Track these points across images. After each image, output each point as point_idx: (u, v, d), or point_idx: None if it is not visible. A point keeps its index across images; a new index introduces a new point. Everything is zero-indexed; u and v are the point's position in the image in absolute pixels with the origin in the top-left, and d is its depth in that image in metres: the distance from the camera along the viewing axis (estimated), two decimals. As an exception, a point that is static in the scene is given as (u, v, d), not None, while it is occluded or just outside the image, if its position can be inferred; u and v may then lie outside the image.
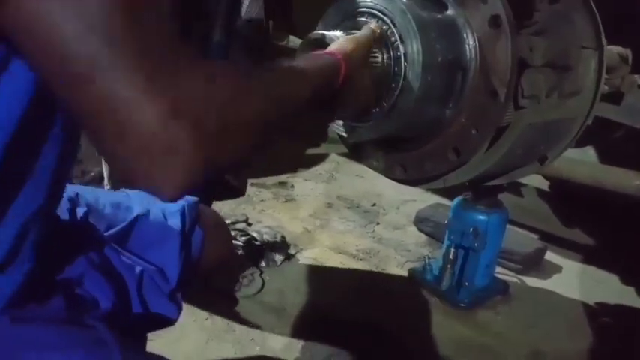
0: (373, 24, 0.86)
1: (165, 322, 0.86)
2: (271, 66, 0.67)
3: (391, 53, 0.87)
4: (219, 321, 1.55)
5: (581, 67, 1.11)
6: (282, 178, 2.64)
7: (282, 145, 2.85)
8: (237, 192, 1.48)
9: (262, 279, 1.74)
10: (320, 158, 2.91)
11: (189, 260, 0.88)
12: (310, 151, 2.93)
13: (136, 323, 0.82)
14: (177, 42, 0.49)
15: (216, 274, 1.71)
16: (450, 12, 0.91)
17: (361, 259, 1.95)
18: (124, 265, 0.81)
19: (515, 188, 2.43)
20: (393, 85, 0.87)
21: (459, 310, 1.69)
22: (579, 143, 1.74)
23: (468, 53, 0.90)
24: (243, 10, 1.37)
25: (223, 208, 2.18)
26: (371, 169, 1.13)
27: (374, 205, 2.44)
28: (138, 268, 0.82)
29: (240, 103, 0.53)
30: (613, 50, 1.47)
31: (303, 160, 2.83)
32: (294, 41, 2.92)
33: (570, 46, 1.07)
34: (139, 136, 0.45)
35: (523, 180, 2.09)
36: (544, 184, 2.48)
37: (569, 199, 2.38)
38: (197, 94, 0.48)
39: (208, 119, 0.48)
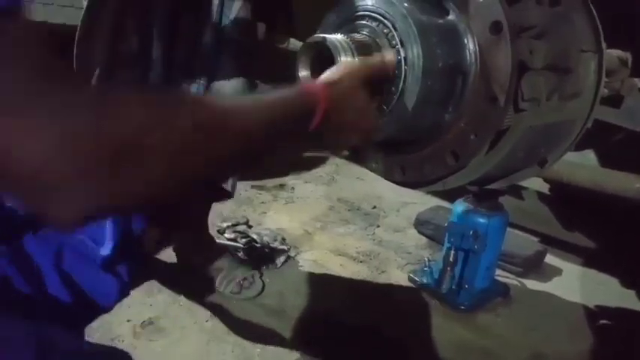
0: (391, 54, 0.84)
1: (106, 298, 0.78)
2: (214, 100, 0.61)
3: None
4: (220, 323, 1.55)
5: (581, 69, 1.11)
6: (283, 180, 2.64)
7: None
8: (226, 194, 1.49)
9: (262, 281, 1.74)
10: (320, 160, 2.92)
11: (127, 228, 0.80)
12: (310, 153, 2.94)
13: (69, 305, 0.75)
14: (65, 75, 0.46)
15: (189, 253, 1.71)
16: (451, 17, 0.91)
17: (361, 262, 1.96)
18: (33, 242, 0.75)
19: (516, 191, 2.44)
20: (393, 88, 0.87)
21: (459, 312, 1.70)
22: (579, 146, 1.74)
23: (468, 58, 0.90)
24: (232, 13, 1.37)
25: (224, 210, 2.18)
26: (370, 171, 1.13)
27: (374, 207, 2.44)
28: (56, 242, 0.76)
29: (142, 136, 0.47)
30: (613, 53, 1.47)
31: (304, 162, 2.84)
32: (294, 44, 2.92)
33: (570, 49, 1.07)
34: (23, 173, 0.43)
35: (524, 183, 2.09)
36: (544, 187, 2.48)
37: (570, 202, 2.38)
38: (86, 127, 0.44)
39: (97, 153, 0.44)
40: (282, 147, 0.67)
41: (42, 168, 0.42)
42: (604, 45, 1.13)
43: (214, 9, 1.35)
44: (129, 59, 1.35)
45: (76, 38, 1.34)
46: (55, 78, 0.45)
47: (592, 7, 1.10)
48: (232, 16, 1.38)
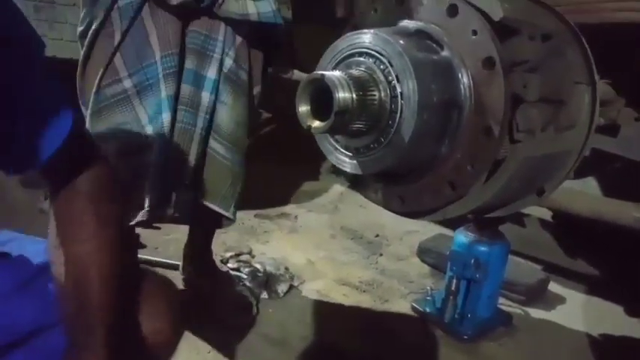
0: None
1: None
2: None
3: (388, 92, 0.90)
4: (222, 354, 1.55)
5: (575, 101, 1.13)
6: (286, 209, 2.66)
7: (285, 176, 2.89)
8: (226, 221, 1.53)
9: (265, 311, 1.74)
10: (323, 189, 2.94)
11: None
12: (314, 182, 2.96)
13: None
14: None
15: (194, 282, 1.72)
16: (445, 52, 0.94)
17: (364, 291, 1.96)
18: None
19: (518, 218, 2.44)
20: (390, 122, 0.90)
21: (462, 342, 1.69)
22: (580, 174, 1.76)
23: (463, 92, 0.93)
24: (233, 48, 1.42)
25: (227, 239, 2.20)
26: (370, 200, 1.15)
27: (377, 235, 2.45)
28: None
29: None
30: (608, 83, 1.50)
31: (307, 191, 2.86)
32: (298, 74, 2.98)
33: (564, 82, 1.10)
34: None
35: (525, 210, 2.10)
36: (547, 214, 2.48)
37: (573, 230, 2.38)
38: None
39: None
40: None
41: None
42: (597, 77, 1.15)
43: (218, 45, 1.40)
44: (124, 99, 1.39)
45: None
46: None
47: (584, 41, 1.14)
48: (233, 52, 1.42)
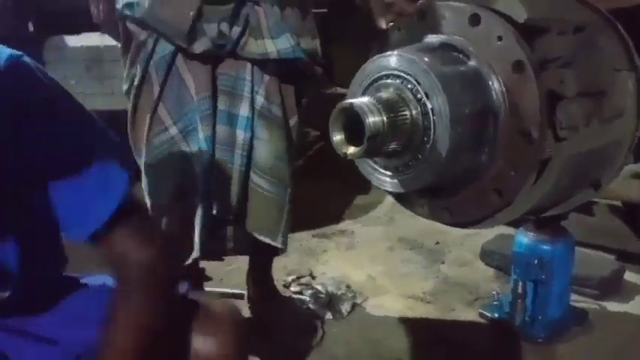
0: None
1: None
2: None
3: (419, 109, 0.91)
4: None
5: (617, 89, 1.10)
6: (342, 225, 2.67)
7: (338, 192, 2.91)
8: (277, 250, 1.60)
9: (330, 331, 1.76)
10: (377, 201, 2.92)
11: None
12: (365, 195, 2.96)
13: None
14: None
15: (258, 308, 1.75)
16: (472, 62, 0.94)
17: (429, 302, 1.93)
18: None
19: (586, 207, 2.34)
20: (425, 139, 0.91)
21: (536, 345, 1.64)
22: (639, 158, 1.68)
23: (495, 99, 0.92)
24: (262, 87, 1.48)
25: (288, 263, 2.23)
26: (418, 215, 1.16)
27: (437, 243, 2.41)
28: None
29: None
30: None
31: (361, 205, 2.86)
32: (341, 90, 3.03)
33: (602, 72, 1.07)
34: None
35: (593, 197, 2.01)
36: (616, 200, 2.37)
37: (644, 213, 2.26)
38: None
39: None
40: None
41: None
42: (638, 61, 1.11)
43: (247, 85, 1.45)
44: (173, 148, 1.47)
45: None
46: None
47: (619, 26, 1.10)
48: (263, 90, 1.46)
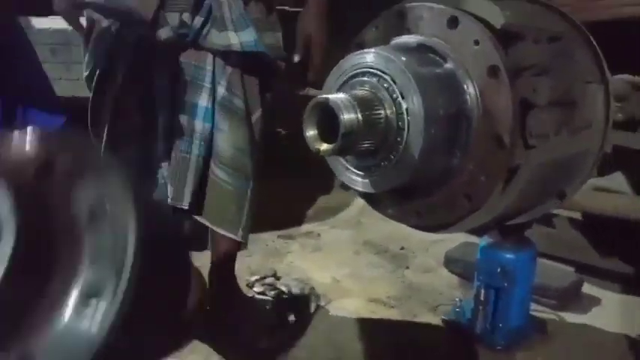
0: None
1: None
2: None
3: (394, 109, 0.90)
4: (253, 380, 1.55)
5: (588, 101, 1.11)
6: (309, 227, 2.65)
7: (306, 194, 2.89)
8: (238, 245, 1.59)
9: (292, 333, 1.74)
10: (345, 203, 2.92)
11: None
12: (335, 196, 2.95)
13: None
14: None
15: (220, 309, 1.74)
16: (449, 65, 0.94)
17: (393, 307, 1.93)
18: None
19: (546, 219, 2.38)
20: (398, 139, 0.90)
21: (496, 353, 1.65)
22: (604, 172, 1.72)
23: (469, 103, 0.92)
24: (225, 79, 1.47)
25: (252, 263, 2.20)
26: (386, 216, 1.15)
27: (402, 248, 2.42)
28: None
29: None
30: (624, 79, 1.47)
31: (330, 207, 2.85)
32: (313, 91, 3.01)
33: (574, 83, 1.08)
34: None
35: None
36: (576, 213, 2.42)
37: (604, 227, 2.32)
38: None
39: None
40: None
41: None
42: (608, 74, 1.13)
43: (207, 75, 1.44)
44: (133, 135, 1.45)
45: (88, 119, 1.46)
46: None
47: (592, 39, 1.12)
48: (225, 81, 1.45)
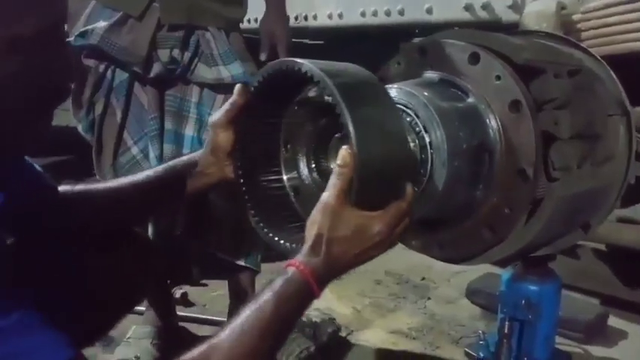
0: None
1: None
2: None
3: (417, 142, 0.92)
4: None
5: (610, 133, 1.12)
6: (329, 257, 2.65)
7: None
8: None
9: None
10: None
11: None
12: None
13: None
14: None
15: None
16: (470, 99, 0.95)
17: (414, 338, 1.91)
18: None
19: (571, 250, 2.35)
20: (422, 171, 0.91)
21: (521, 387, 1.62)
22: (629, 203, 1.70)
23: (492, 136, 0.93)
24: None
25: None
26: (409, 247, 1.15)
27: (423, 278, 2.41)
28: None
29: None
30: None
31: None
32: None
33: (596, 115, 1.09)
34: None
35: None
36: (601, 244, 2.39)
37: (629, 258, 2.28)
38: None
39: None
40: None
41: None
42: (629, 106, 1.14)
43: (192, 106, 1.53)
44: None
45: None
46: None
47: (611, 72, 1.13)
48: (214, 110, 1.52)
